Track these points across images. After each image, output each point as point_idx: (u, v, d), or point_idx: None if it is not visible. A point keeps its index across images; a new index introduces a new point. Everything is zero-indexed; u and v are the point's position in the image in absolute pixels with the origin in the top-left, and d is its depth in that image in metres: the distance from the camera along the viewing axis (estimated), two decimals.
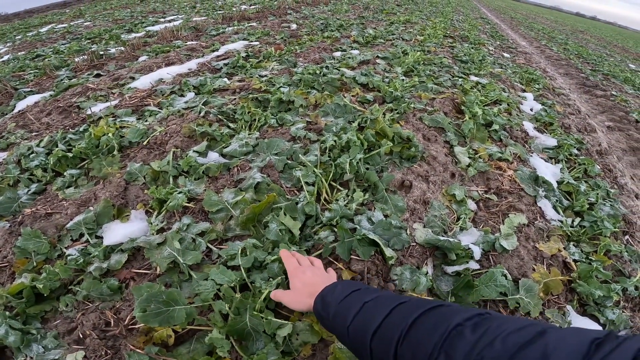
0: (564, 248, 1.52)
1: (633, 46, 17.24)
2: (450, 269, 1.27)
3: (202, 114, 2.11)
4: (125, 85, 2.77)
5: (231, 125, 1.99)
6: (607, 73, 6.22)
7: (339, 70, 2.68)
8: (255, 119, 2.00)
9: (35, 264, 1.20)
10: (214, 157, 1.71)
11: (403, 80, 2.75)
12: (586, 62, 7.18)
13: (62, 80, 3.10)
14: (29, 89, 2.96)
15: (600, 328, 1.25)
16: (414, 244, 1.31)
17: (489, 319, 0.53)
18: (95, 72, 3.26)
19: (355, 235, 1.18)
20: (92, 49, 4.04)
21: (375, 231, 1.26)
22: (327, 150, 1.66)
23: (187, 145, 1.82)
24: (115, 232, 1.28)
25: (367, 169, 1.61)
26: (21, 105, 2.67)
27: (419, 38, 4.72)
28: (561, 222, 1.70)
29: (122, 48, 4.05)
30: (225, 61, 3.12)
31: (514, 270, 1.33)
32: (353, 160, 1.52)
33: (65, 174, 1.62)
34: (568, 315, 1.25)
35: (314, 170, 1.50)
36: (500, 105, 2.73)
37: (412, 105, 2.23)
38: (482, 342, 0.48)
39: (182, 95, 2.51)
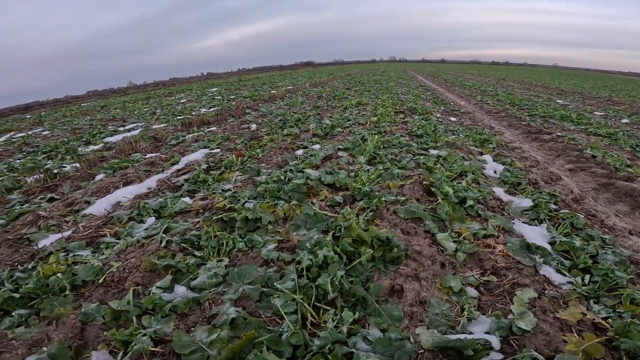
0: (588, 309, 1.42)
1: (550, 82, 19.22)
2: None
3: (163, 244, 1.95)
4: (79, 212, 2.60)
5: (197, 253, 1.84)
6: (543, 115, 6.66)
7: (303, 172, 2.67)
8: (222, 244, 1.85)
9: None
10: (181, 291, 1.58)
11: (368, 171, 2.77)
12: (521, 109, 7.73)
13: (13, 206, 2.90)
14: None
15: None
16: (422, 350, 1.22)
17: None
18: (49, 195, 3.10)
19: None
20: (47, 166, 3.98)
21: (375, 350, 1.19)
22: (305, 271, 1.52)
23: (149, 280, 1.69)
24: None
25: (352, 282, 1.50)
26: None
27: (373, 119, 5.06)
28: (572, 283, 1.61)
29: (78, 165, 3.94)
30: (186, 176, 3.05)
31: (544, 349, 1.23)
32: (334, 279, 1.43)
33: (13, 313, 1.51)
34: None
35: (293, 298, 1.38)
36: (467, 176, 2.78)
37: (384, 199, 2.20)
38: None
39: (141, 222, 2.36)
